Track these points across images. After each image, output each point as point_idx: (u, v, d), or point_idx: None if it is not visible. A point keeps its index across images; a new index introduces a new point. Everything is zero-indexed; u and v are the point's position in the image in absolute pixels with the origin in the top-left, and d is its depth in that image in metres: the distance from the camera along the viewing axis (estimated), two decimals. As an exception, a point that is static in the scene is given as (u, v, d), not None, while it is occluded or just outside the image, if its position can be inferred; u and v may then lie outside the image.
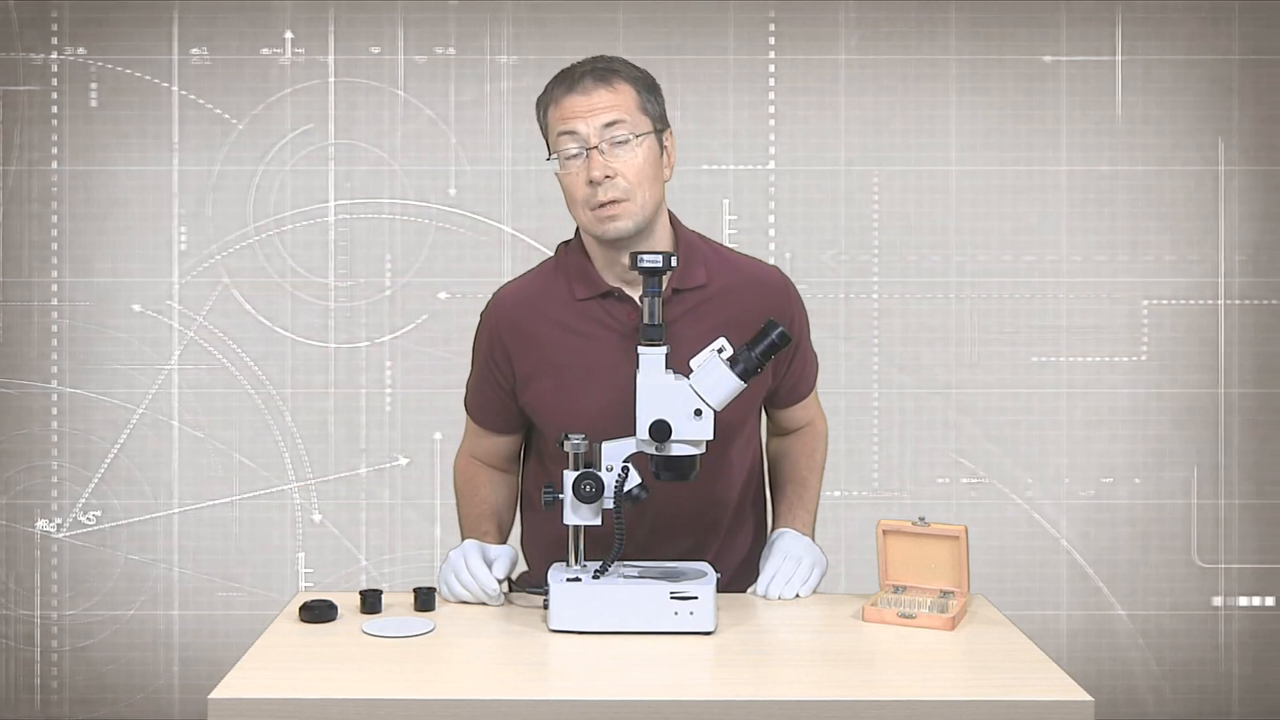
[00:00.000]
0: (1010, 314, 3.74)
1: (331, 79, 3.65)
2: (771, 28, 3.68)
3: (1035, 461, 3.75)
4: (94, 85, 3.62)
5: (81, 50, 3.61)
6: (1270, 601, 3.75)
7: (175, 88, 3.63)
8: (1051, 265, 3.73)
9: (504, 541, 2.30)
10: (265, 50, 3.62)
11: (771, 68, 3.68)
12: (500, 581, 2.13)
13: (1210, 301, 3.73)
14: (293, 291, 3.68)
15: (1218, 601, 3.74)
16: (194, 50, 3.63)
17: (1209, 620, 3.75)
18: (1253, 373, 3.74)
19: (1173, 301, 3.73)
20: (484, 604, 2.11)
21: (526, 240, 3.65)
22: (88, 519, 3.66)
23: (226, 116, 3.65)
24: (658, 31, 3.67)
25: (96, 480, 3.68)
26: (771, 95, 3.68)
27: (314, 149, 3.66)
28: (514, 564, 2.17)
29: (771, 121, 3.68)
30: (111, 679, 3.69)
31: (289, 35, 3.63)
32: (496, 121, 3.67)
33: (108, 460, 3.66)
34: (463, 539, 2.29)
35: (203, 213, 3.67)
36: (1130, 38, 3.69)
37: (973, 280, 3.74)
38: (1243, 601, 3.74)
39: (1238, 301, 3.72)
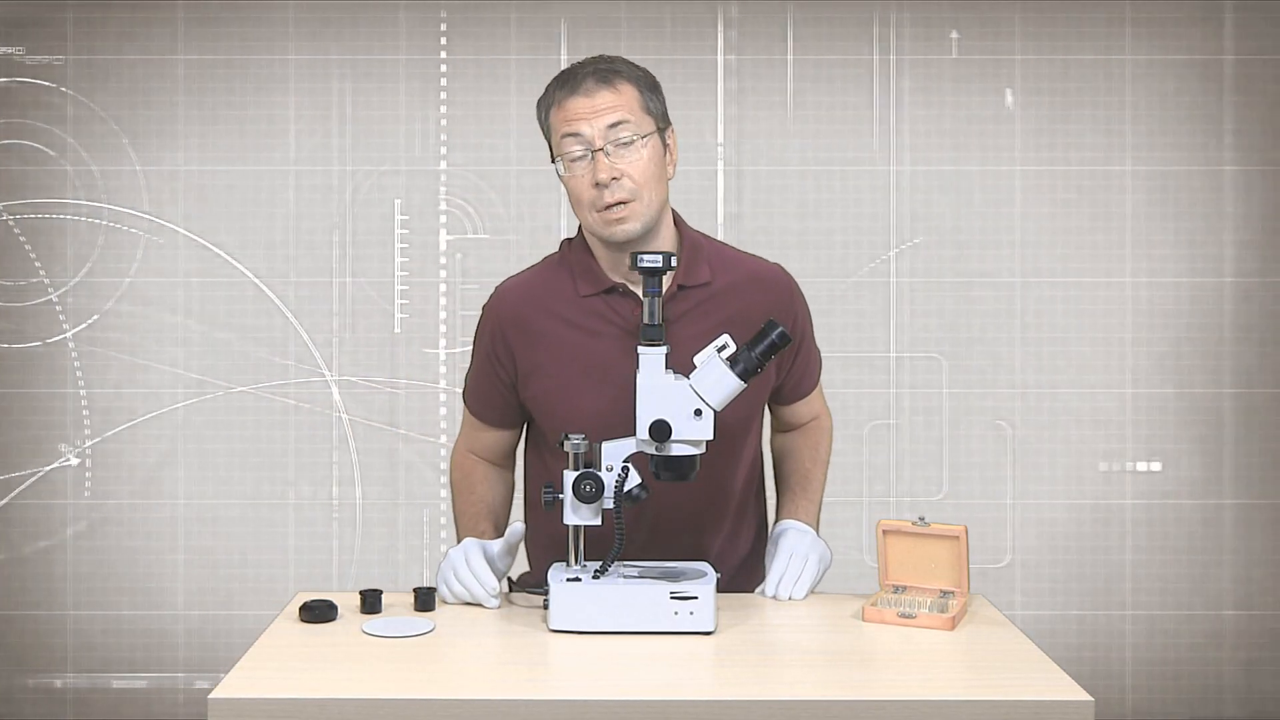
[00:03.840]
0: (1010, 314, 3.74)
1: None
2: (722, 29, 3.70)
3: (1035, 461, 3.75)
4: None
5: None
6: (1270, 602, 3.74)
7: None
8: (1055, 265, 3.74)
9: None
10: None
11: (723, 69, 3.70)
12: (500, 579, 2.12)
13: (1214, 300, 3.73)
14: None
15: (1217, 601, 3.74)
16: None
17: (1209, 620, 3.74)
18: (1257, 373, 3.74)
19: (1177, 296, 3.74)
20: (483, 605, 2.10)
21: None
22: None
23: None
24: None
25: None
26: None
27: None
28: (516, 547, 2.16)
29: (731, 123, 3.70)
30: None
31: None
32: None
33: None
34: (459, 536, 2.29)
35: None
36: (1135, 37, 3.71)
37: (971, 280, 3.74)
38: (1243, 602, 3.74)
39: (1240, 304, 3.73)
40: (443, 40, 3.70)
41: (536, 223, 3.71)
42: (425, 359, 3.73)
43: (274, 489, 3.72)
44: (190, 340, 3.70)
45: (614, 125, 2.07)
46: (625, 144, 2.08)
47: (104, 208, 3.68)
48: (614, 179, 2.07)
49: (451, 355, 3.73)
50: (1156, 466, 3.75)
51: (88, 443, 3.70)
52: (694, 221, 2.28)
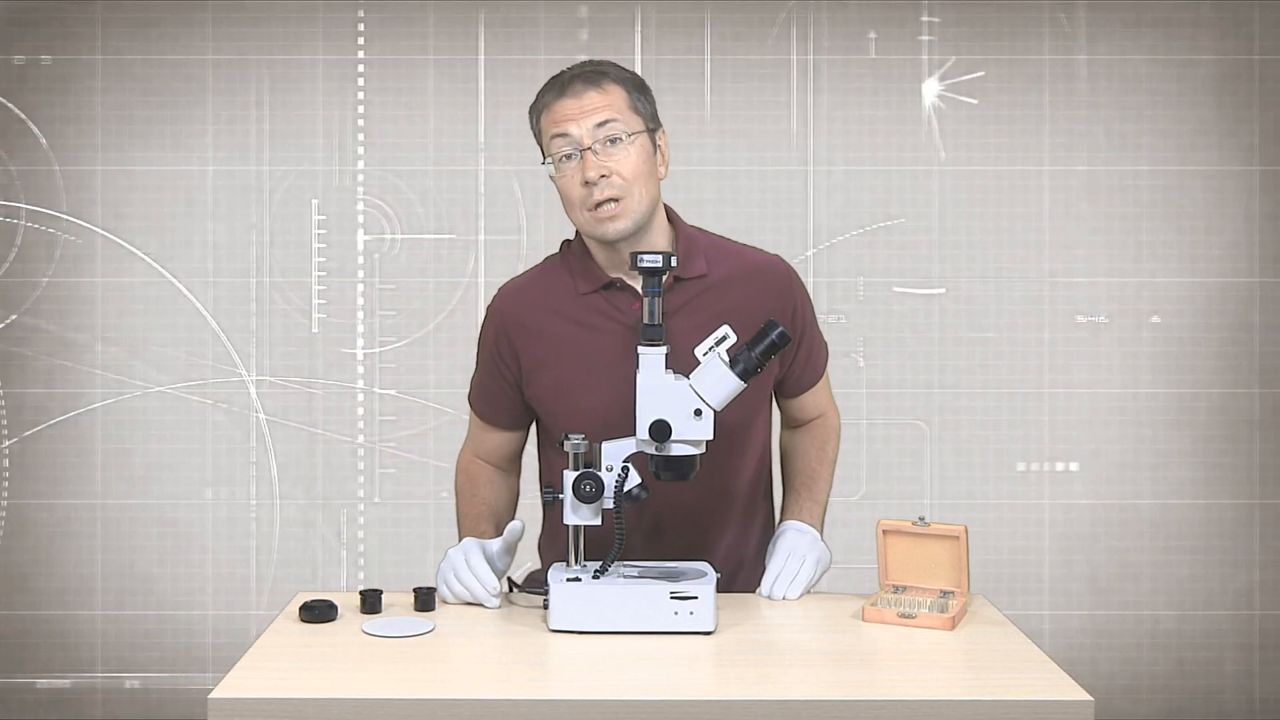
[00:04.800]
0: (929, 313, 3.74)
1: None
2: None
3: (1034, 460, 3.75)
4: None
5: None
6: (1271, 602, 3.75)
7: None
8: (974, 264, 3.74)
9: None
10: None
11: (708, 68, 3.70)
12: (500, 579, 2.14)
13: (1133, 299, 3.74)
14: None
15: (1218, 601, 3.75)
16: None
17: (1209, 620, 3.75)
18: (1269, 373, 3.75)
19: (1093, 295, 3.74)
20: (483, 604, 2.10)
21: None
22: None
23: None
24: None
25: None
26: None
27: None
28: (515, 545, 2.17)
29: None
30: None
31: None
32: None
33: None
34: (460, 537, 2.30)
35: None
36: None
37: (890, 279, 3.74)
38: (1243, 601, 3.75)
39: (1160, 304, 3.74)
40: (360, 40, 3.70)
41: (454, 223, 3.71)
42: (343, 359, 3.73)
43: (192, 489, 3.72)
44: (108, 340, 3.70)
45: (602, 124, 2.11)
46: (613, 141, 2.11)
47: (21, 208, 3.68)
48: (602, 176, 2.09)
49: (369, 355, 3.73)
50: (1074, 467, 3.75)
51: (5, 443, 3.70)
52: None
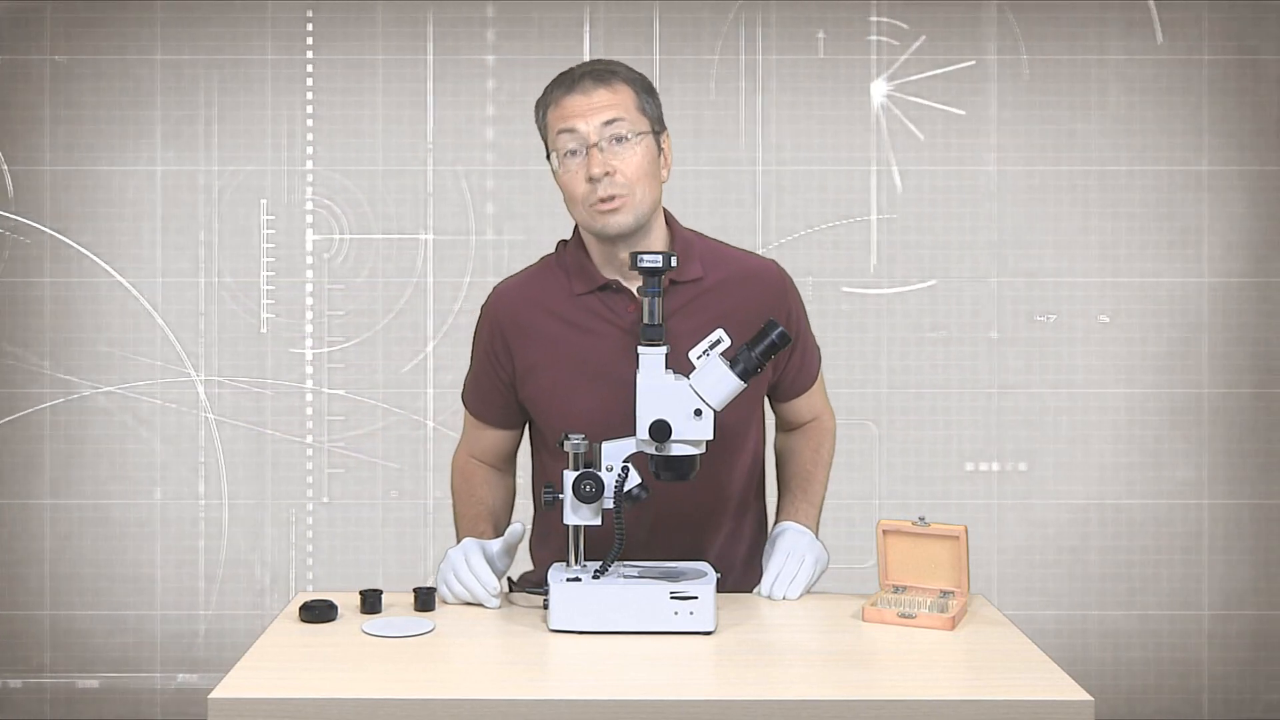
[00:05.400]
0: (876, 313, 3.74)
1: None
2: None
3: (1034, 460, 3.75)
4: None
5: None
6: (1269, 602, 3.75)
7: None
8: (921, 265, 3.75)
9: None
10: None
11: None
12: (500, 578, 2.14)
13: (1080, 300, 3.74)
14: None
15: (1217, 601, 3.75)
16: None
17: (1209, 620, 3.75)
18: (1122, 373, 3.76)
19: (1043, 295, 3.74)
20: (483, 605, 2.10)
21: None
22: None
23: None
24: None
25: None
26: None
27: None
28: (515, 548, 2.17)
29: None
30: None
31: None
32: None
33: None
34: (459, 537, 2.30)
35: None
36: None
37: (837, 279, 3.74)
38: (1243, 602, 3.75)
39: (1106, 303, 3.74)
40: (309, 40, 3.71)
41: (403, 223, 3.72)
42: (291, 359, 3.73)
43: (140, 489, 3.72)
44: (57, 340, 3.70)
45: (609, 122, 2.11)
46: (619, 140, 2.11)
47: (-31, 208, 3.69)
48: (606, 174, 2.10)
49: (318, 355, 3.73)
50: (1155, 466, 3.75)
51: (-47, 443, 3.71)
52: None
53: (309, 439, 3.72)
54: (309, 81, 3.71)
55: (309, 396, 3.73)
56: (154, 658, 3.72)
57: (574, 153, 2.12)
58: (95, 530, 3.72)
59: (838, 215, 3.73)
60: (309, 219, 3.72)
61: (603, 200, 2.11)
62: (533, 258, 2.33)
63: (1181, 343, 3.74)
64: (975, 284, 3.74)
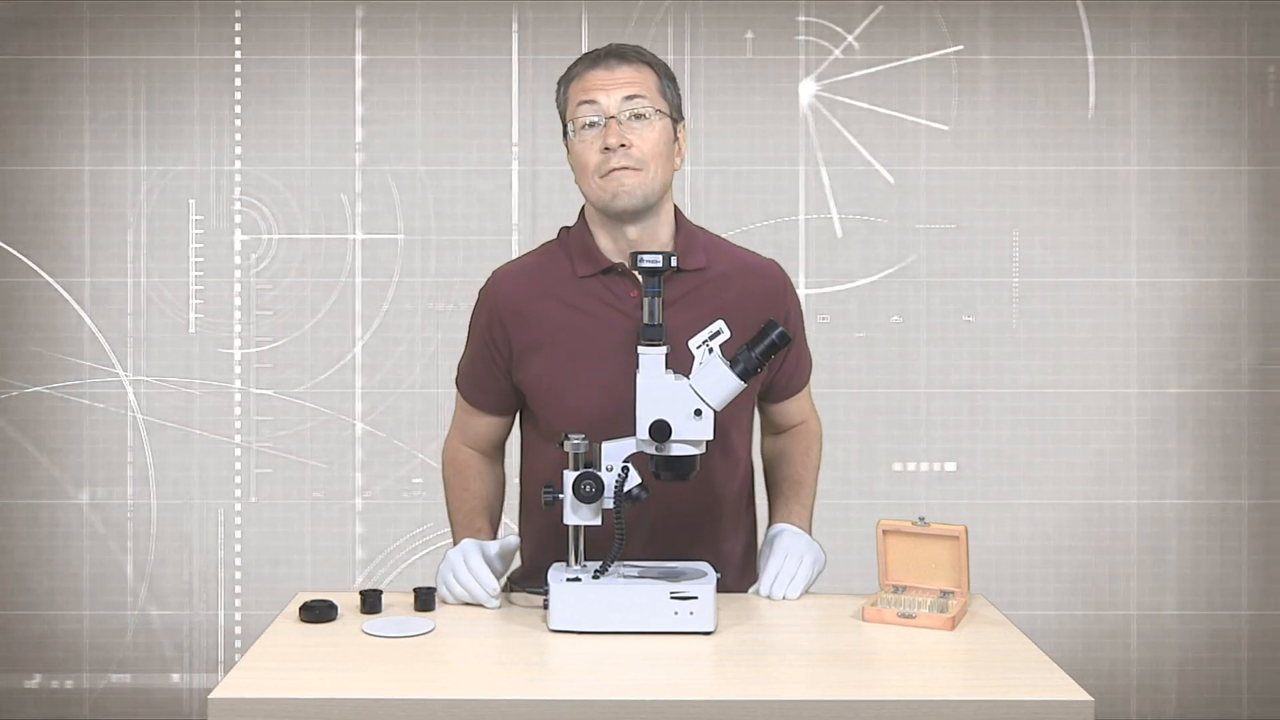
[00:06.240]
0: (806, 313, 3.73)
1: None
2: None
3: (1035, 460, 3.76)
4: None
5: None
6: (1272, 602, 3.75)
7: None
8: (850, 264, 3.75)
9: (494, 537, 2.28)
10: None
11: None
12: (499, 579, 2.14)
13: (1004, 300, 3.74)
14: None
15: (1217, 601, 3.75)
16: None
17: (1208, 620, 3.75)
18: (1260, 374, 3.76)
19: (1179, 296, 3.75)
20: (483, 605, 2.10)
21: None
22: None
23: None
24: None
25: None
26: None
27: None
28: (514, 552, 2.18)
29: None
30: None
31: None
32: None
33: None
34: (453, 533, 2.30)
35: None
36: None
37: (851, 280, 3.73)
38: (1243, 601, 3.75)
39: (1039, 303, 3.74)
40: (238, 40, 3.71)
41: (331, 223, 3.72)
42: (220, 359, 3.73)
43: (68, 489, 3.71)
44: (-16, 340, 3.70)
45: (630, 98, 2.14)
46: (639, 116, 2.13)
47: (-103, 207, 3.69)
48: (622, 145, 2.11)
49: (247, 355, 3.73)
50: (1155, 466, 3.75)
51: (-119, 443, 3.70)
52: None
53: (237, 439, 3.72)
54: (237, 82, 3.71)
55: (237, 396, 3.73)
56: (82, 658, 3.72)
57: (592, 124, 2.14)
58: (22, 530, 3.71)
59: (766, 215, 3.74)
60: (237, 219, 3.72)
61: (614, 170, 2.12)
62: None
63: (1108, 342, 3.75)
64: (903, 282, 3.74)
